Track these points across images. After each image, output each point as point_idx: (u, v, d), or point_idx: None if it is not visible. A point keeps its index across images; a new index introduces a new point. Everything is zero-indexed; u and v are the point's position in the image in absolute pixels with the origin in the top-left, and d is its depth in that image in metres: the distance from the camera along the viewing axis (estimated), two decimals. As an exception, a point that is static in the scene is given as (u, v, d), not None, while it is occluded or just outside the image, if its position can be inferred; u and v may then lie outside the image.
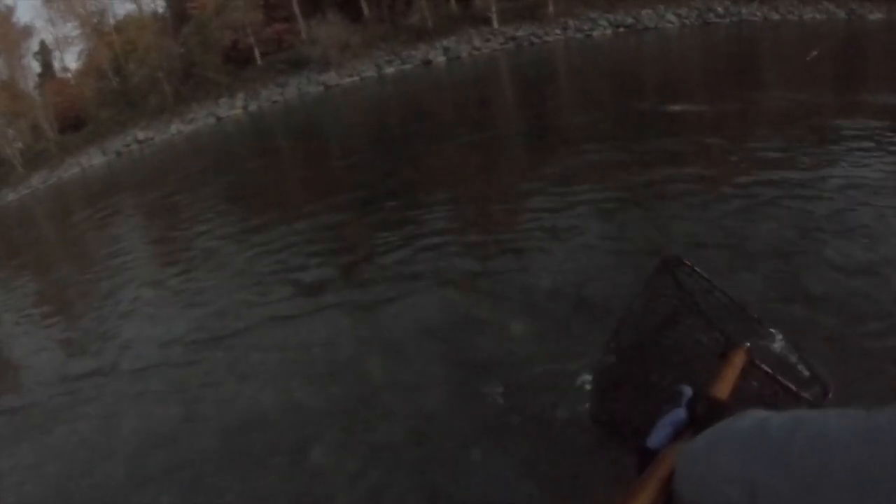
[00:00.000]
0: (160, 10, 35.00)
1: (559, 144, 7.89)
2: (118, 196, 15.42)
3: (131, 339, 5.17)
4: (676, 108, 8.92)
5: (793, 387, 0.86)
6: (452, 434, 2.80)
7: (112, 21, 34.79)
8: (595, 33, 26.57)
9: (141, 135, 31.11)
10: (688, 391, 0.70)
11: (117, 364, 4.70)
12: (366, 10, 30.48)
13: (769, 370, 0.86)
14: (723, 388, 0.77)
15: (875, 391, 2.40)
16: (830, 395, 0.95)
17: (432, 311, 4.03)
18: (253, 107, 29.92)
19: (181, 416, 3.64)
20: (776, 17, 25.03)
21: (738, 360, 0.84)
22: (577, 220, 5.08)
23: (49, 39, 35.77)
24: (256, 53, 31.15)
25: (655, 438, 0.66)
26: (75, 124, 32.80)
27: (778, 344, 1.07)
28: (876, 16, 23.84)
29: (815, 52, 11.14)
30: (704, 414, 0.66)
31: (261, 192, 9.72)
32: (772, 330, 1.07)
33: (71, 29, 34.77)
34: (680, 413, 0.67)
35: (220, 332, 4.67)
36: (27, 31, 35.30)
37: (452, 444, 2.74)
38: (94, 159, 30.72)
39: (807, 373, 1.01)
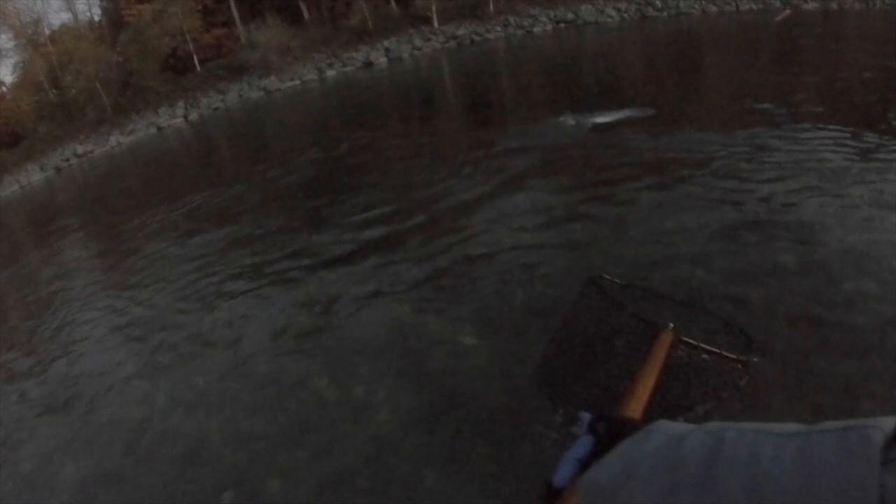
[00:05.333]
0: (96, 18, 33.93)
1: (503, 146, 7.64)
2: (58, 216, 14.76)
3: (66, 372, 4.83)
4: (614, 104, 8.73)
5: (717, 350, 0.90)
6: (407, 457, 2.68)
7: (47, 31, 33.61)
8: (536, 29, 26.31)
9: (80, 148, 30.11)
10: (586, 416, 0.65)
11: (54, 400, 4.40)
12: (305, 14, 29.82)
13: (693, 342, 0.90)
14: (648, 373, 0.78)
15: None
16: (753, 345, 1.04)
17: (380, 325, 3.87)
18: (194, 115, 29.12)
19: (123, 452, 3.42)
20: (713, 8, 24.99)
21: (664, 340, 0.88)
22: (526, 222, 4.90)
23: (-17, 52, 34.55)
24: (196, 60, 30.33)
25: (560, 476, 0.60)
26: (12, 140, 31.67)
27: (703, 318, 1.14)
28: (811, 5, 23.90)
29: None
30: (606, 434, 0.60)
31: (201, 206, 9.26)
32: (695, 307, 1.17)
33: (5, 41, 33.58)
34: (583, 442, 0.62)
35: (160, 360, 4.41)
36: (-41, 45, 34.04)
37: (408, 468, 2.62)
38: (32, 176, 29.65)
39: (730, 335, 1.08)
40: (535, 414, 2.57)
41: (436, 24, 27.47)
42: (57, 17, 47.20)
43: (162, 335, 4.84)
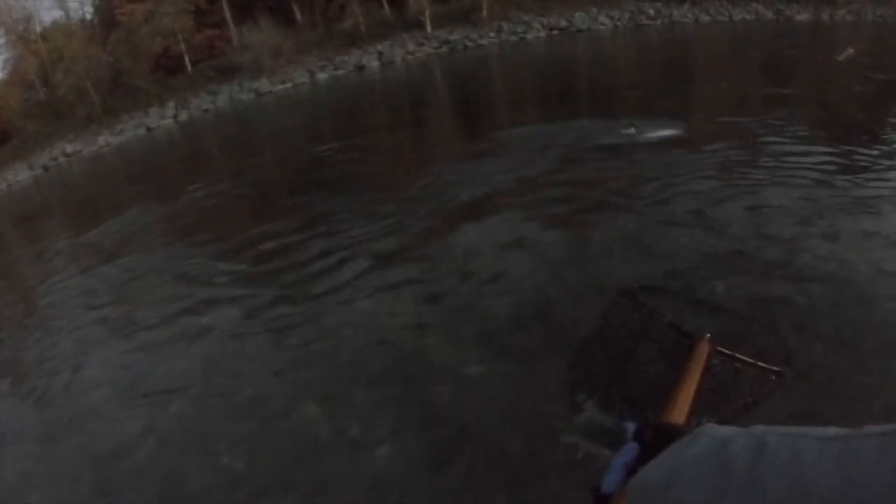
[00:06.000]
0: (88, 16, 33.66)
1: (497, 153, 7.48)
2: (46, 217, 14.50)
3: (34, 391, 4.44)
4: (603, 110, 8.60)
5: (755, 361, 0.92)
6: (410, 500, 2.42)
7: (38, 29, 33.28)
8: (529, 36, 26.24)
9: (69, 148, 29.80)
10: (630, 425, 0.68)
11: (16, 424, 4.06)
12: (298, 16, 29.66)
13: (729, 352, 0.91)
14: (688, 382, 0.80)
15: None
16: (790, 354, 1.03)
17: (376, 348, 3.52)
18: (184, 116, 28.87)
19: (89, 490, 3.08)
20: (706, 18, 25.00)
21: (702, 350, 0.89)
22: (531, 233, 4.61)
23: (-27, 49, 34.17)
24: (187, 61, 30.09)
25: (608, 482, 0.63)
26: (0, 138, 31.34)
27: (739, 325, 1.13)
28: (803, 16, 23.92)
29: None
30: (653, 441, 0.62)
31: (190, 212, 8.99)
32: (730, 313, 1.16)
33: (-5, 37, 33.22)
34: (630, 449, 0.64)
35: (135, 382, 4.03)
36: (-51, 41, 33.66)
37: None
38: (20, 175, 29.30)
39: (770, 344, 1.06)
40: (554, 451, 2.32)
41: (429, 28, 27.35)
42: (49, 14, 46.51)
43: (139, 353, 4.49)
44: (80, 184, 20.86)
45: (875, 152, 5.35)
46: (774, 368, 0.93)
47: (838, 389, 2.51)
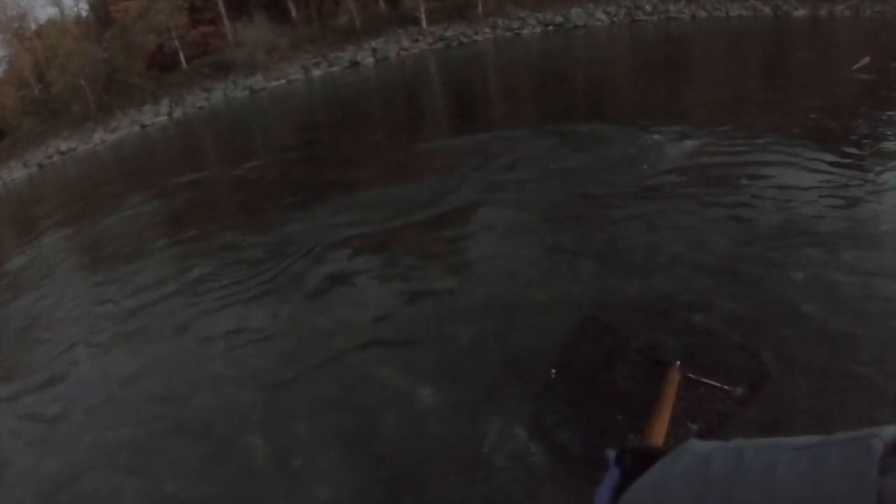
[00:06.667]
0: (83, 14, 33.52)
1: (486, 157, 7.21)
2: (44, 217, 14.38)
3: None
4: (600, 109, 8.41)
5: (720, 385, 1.00)
6: None
7: (33, 26, 33.17)
8: (524, 32, 26.04)
9: (64, 145, 29.72)
10: (611, 453, 0.69)
11: None
12: (293, 12, 29.49)
13: (696, 377, 0.98)
14: (663, 407, 0.83)
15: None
16: (762, 365, 1.11)
17: (326, 373, 3.35)
18: (178, 113, 28.76)
19: None
20: (703, 14, 24.77)
21: (672, 378, 0.93)
22: (505, 251, 4.40)
23: (-32, 47, 34.06)
24: (182, 57, 29.96)
25: None
26: (-5, 136, 31.27)
27: (712, 349, 1.19)
28: (801, 12, 23.68)
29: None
30: (634, 465, 0.64)
31: (184, 213, 8.85)
32: (698, 333, 1.18)
33: (-10, 35, 33.11)
34: (612, 475, 0.66)
35: (82, 401, 3.90)
36: (-56, 39, 33.55)
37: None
38: (15, 173, 29.21)
39: (741, 362, 1.15)
40: (507, 499, 2.14)
41: (424, 24, 27.18)
42: (44, 11, 46.30)
43: (89, 369, 4.36)
44: (74, 182, 20.76)
45: (868, 162, 5.12)
46: (738, 390, 1.01)
47: (816, 397, 2.39)
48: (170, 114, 28.92)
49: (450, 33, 26.76)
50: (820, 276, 3.28)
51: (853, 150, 5.35)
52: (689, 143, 6.20)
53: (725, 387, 1.03)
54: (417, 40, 26.96)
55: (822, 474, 0.36)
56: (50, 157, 29.63)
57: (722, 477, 0.42)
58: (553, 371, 1.10)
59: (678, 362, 1.03)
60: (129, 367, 4.20)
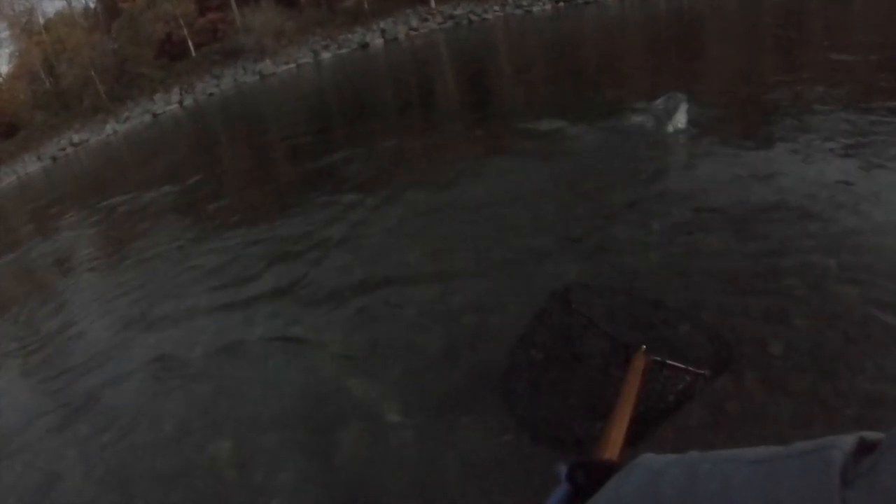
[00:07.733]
0: (91, 5, 33.55)
1: (498, 143, 6.80)
2: (61, 211, 14.39)
3: None
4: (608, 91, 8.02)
5: (685, 367, 0.95)
6: None
7: (41, 20, 33.28)
8: (535, 9, 25.66)
9: (76, 137, 29.89)
10: (562, 467, 0.66)
11: None
12: (301, -5, 29.37)
13: (665, 360, 0.94)
14: (625, 403, 0.80)
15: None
16: (726, 349, 1.08)
17: (296, 381, 3.25)
18: (189, 101, 28.79)
19: None
20: (717, -17, 24.29)
21: (637, 365, 0.91)
22: (487, 250, 4.06)
23: (-22, 43, 34.27)
24: (191, 45, 29.95)
25: None
26: (8, 131, 31.47)
27: (679, 328, 1.13)
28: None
29: None
30: (585, 481, 0.62)
31: (199, 203, 8.51)
32: (667, 310, 1.18)
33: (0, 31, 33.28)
34: (561, 491, 0.63)
35: (66, 412, 3.79)
36: (-46, 36, 33.75)
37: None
38: (29, 166, 29.46)
39: (708, 345, 1.10)
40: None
41: (433, 3, 26.93)
42: (51, 5, 46.46)
43: (68, 376, 4.19)
44: (88, 173, 20.76)
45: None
46: (703, 372, 0.97)
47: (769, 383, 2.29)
48: (181, 102, 28.96)
49: (459, 12, 26.49)
50: (806, 261, 3.01)
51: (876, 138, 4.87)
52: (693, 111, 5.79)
53: (691, 368, 0.97)
54: (426, 20, 26.72)
55: (780, 489, 0.35)
56: (63, 149, 29.82)
57: (675, 496, 0.41)
58: (516, 358, 1.08)
59: (644, 346, 0.96)
60: (105, 379, 4.08)
